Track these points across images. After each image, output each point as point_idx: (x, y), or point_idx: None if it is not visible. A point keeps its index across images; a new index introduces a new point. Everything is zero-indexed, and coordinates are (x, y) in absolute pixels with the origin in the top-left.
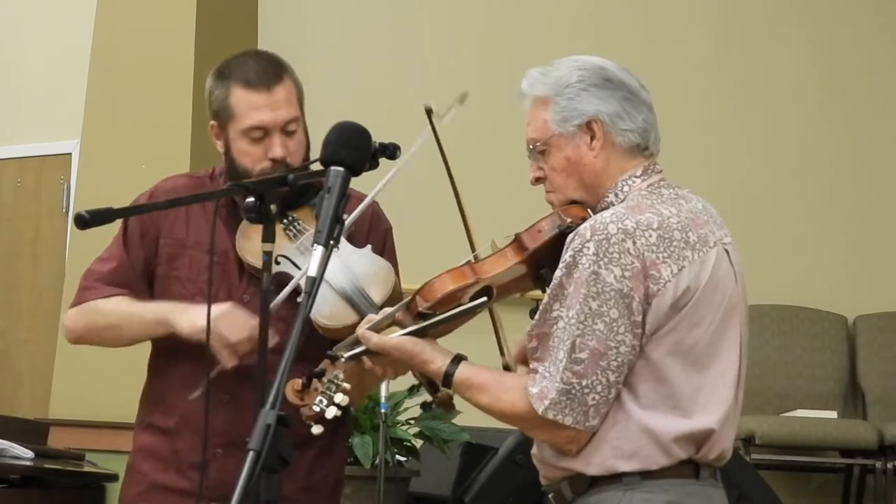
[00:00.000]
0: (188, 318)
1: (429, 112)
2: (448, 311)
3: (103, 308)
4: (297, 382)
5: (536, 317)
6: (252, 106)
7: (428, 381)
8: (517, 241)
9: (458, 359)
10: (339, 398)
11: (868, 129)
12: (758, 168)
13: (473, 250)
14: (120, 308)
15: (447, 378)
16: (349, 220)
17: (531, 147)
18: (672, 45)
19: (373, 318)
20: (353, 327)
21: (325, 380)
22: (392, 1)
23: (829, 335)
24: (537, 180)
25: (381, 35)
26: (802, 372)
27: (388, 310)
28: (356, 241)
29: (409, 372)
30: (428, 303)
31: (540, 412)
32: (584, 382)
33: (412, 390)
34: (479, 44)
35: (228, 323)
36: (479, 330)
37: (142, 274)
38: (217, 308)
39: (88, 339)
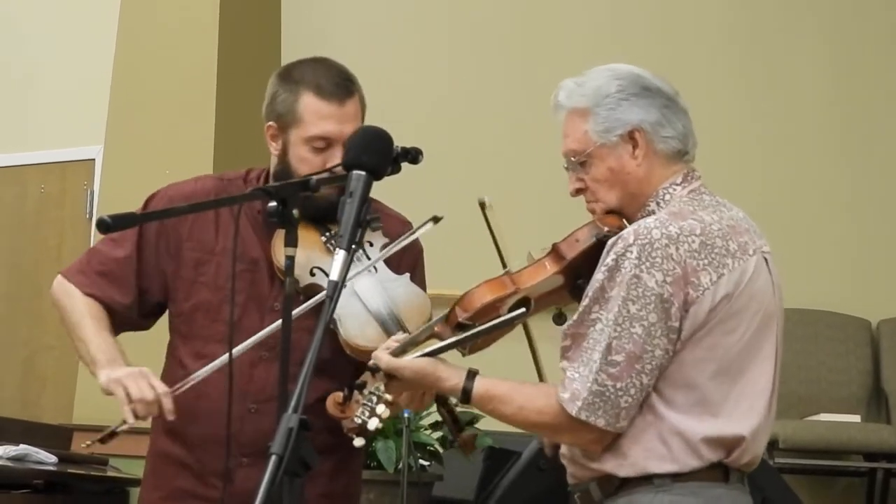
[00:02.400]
0: (104, 374)
1: (482, 205)
2: (487, 322)
3: (76, 305)
4: (339, 395)
5: (575, 316)
6: (321, 115)
7: (453, 420)
8: (554, 251)
9: (472, 374)
10: (381, 409)
11: (890, 133)
12: (780, 172)
13: (505, 267)
14: (83, 321)
15: (465, 394)
16: (393, 247)
17: (571, 159)
18: (690, 53)
19: (398, 339)
20: None
21: (366, 392)
22: (414, 13)
23: (852, 339)
24: (577, 192)
25: (403, 45)
26: (826, 376)
27: (426, 324)
28: (390, 263)
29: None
30: (467, 313)
31: (573, 414)
32: (618, 385)
33: (435, 426)
34: (500, 55)
35: (135, 381)
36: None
37: (145, 273)
38: (132, 369)
39: (56, 310)
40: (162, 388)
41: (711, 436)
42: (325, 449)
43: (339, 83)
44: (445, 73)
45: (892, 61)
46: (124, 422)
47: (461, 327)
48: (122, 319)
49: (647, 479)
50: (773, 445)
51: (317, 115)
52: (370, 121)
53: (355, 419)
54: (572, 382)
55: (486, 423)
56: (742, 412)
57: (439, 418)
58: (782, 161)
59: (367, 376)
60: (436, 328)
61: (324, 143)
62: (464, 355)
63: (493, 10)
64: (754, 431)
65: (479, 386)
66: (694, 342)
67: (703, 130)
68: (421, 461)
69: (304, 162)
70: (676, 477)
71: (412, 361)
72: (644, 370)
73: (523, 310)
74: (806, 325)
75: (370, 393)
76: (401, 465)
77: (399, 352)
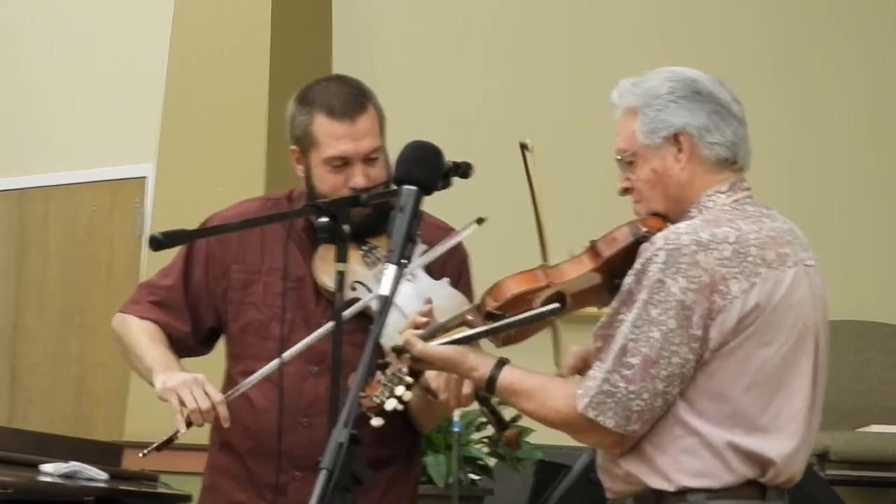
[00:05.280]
0: (161, 378)
1: (523, 147)
2: (518, 314)
3: (131, 328)
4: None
5: (604, 318)
6: (334, 136)
7: (496, 420)
8: (592, 248)
9: (501, 363)
10: (400, 391)
11: None
12: (827, 181)
13: (545, 260)
14: (139, 340)
15: (491, 383)
16: (433, 252)
17: (619, 157)
18: (726, 61)
19: (420, 319)
20: None
21: (388, 372)
22: (461, 23)
23: None
24: (625, 191)
25: (452, 56)
26: (877, 387)
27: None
28: (433, 270)
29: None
30: (497, 303)
31: (580, 410)
32: (630, 388)
33: (480, 427)
34: (546, 62)
35: (189, 390)
36: (537, 349)
37: (195, 299)
38: (187, 377)
39: (119, 347)
40: (217, 395)
41: (743, 448)
42: (379, 461)
43: (349, 101)
44: (495, 83)
45: None
46: (178, 431)
47: (491, 317)
48: (181, 346)
49: (680, 495)
50: (823, 457)
51: (331, 136)
52: (420, 135)
53: (374, 398)
54: (589, 380)
55: (536, 438)
56: (777, 429)
57: (489, 433)
58: (831, 173)
59: (391, 356)
60: (468, 316)
61: (341, 162)
62: (497, 346)
63: (541, 5)
64: (791, 453)
65: (504, 377)
66: (726, 352)
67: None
68: (471, 475)
69: (326, 182)
70: (711, 493)
71: (442, 349)
72: (659, 375)
73: (557, 305)
74: (855, 336)
75: (392, 374)
76: (451, 480)
77: (427, 336)
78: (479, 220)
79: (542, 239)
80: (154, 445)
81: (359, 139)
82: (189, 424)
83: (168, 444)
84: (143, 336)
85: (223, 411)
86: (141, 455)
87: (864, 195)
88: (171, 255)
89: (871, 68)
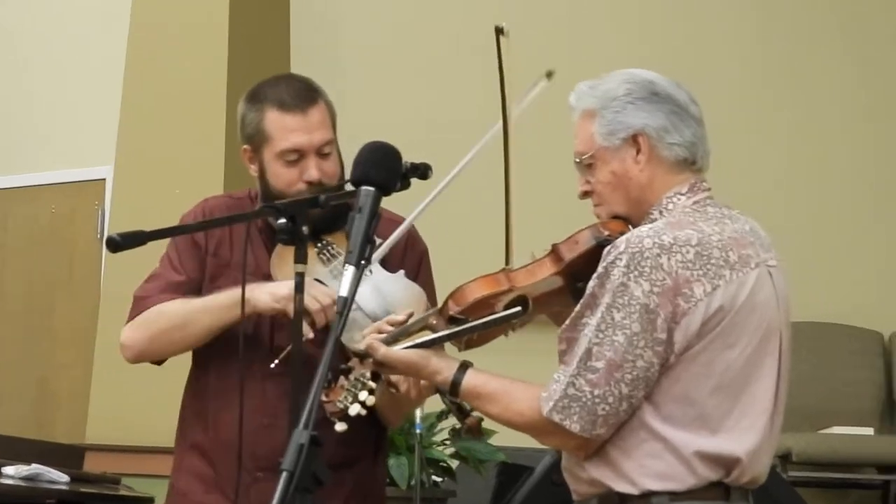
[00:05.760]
0: (267, 289)
1: (499, 31)
2: (480, 318)
3: (167, 310)
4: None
5: (568, 321)
6: (287, 128)
7: (457, 407)
8: (554, 252)
9: (464, 366)
10: (364, 396)
11: None
12: (793, 184)
13: (507, 263)
14: (185, 307)
15: (454, 387)
16: (386, 245)
17: (578, 160)
18: (714, 56)
19: (385, 326)
20: None
21: (351, 377)
22: (423, 21)
23: (865, 351)
24: (585, 194)
25: (413, 56)
26: (839, 389)
27: (420, 314)
28: (390, 264)
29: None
30: (459, 307)
31: (544, 413)
32: (595, 392)
33: (441, 416)
34: (516, 62)
35: (316, 288)
36: (500, 351)
37: (195, 288)
38: (290, 282)
39: (151, 350)
40: (332, 291)
41: (708, 452)
42: (346, 461)
43: (300, 94)
44: (458, 75)
45: None
46: (307, 336)
47: (454, 321)
48: None
49: (645, 498)
50: (786, 459)
51: (284, 129)
52: (380, 136)
53: (338, 403)
54: (553, 384)
55: (498, 439)
56: (742, 430)
57: (451, 423)
58: (796, 174)
59: (354, 362)
60: (430, 320)
61: (295, 156)
62: (459, 350)
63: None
64: (754, 451)
65: (468, 381)
66: (691, 356)
67: (719, 141)
68: (433, 477)
69: (280, 177)
70: (675, 496)
71: (404, 353)
72: (623, 379)
73: (519, 309)
74: (818, 338)
75: (355, 379)
76: (413, 482)
77: (391, 340)
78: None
79: (507, 240)
80: (281, 356)
81: (312, 131)
82: (313, 326)
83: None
84: (186, 304)
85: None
86: (272, 366)
87: (830, 199)
88: (132, 256)
89: (864, 67)
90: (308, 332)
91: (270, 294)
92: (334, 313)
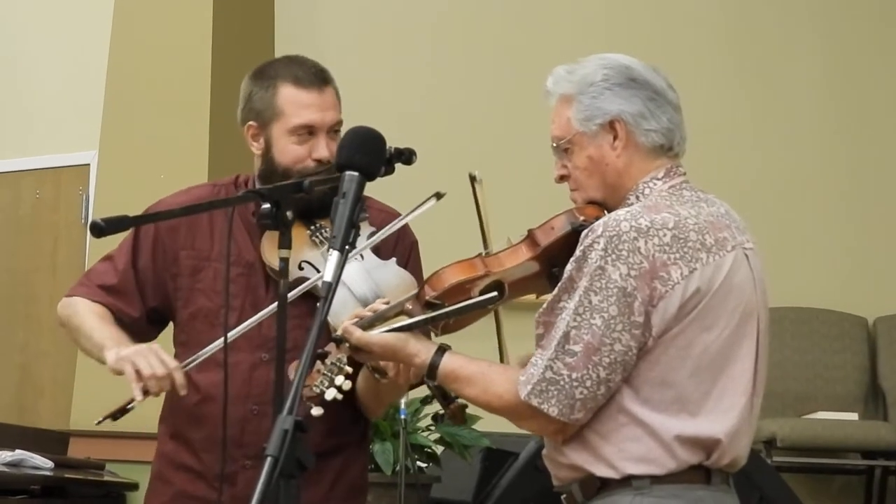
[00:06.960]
0: (113, 351)
1: (472, 179)
2: (457, 303)
3: (80, 310)
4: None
5: (545, 305)
6: (302, 104)
7: (441, 393)
8: (530, 237)
9: (442, 349)
10: (340, 381)
11: (886, 130)
12: (775, 169)
13: (486, 247)
14: (88, 320)
15: (432, 369)
16: (379, 235)
17: (555, 145)
18: (685, 48)
19: (361, 312)
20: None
21: (328, 362)
22: (406, 14)
23: (849, 337)
24: (561, 178)
25: (396, 47)
26: (823, 374)
27: (397, 299)
28: (382, 253)
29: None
30: (435, 292)
31: (522, 397)
32: (573, 375)
33: (425, 400)
34: (491, 52)
35: (145, 357)
36: (481, 335)
37: (143, 284)
38: (141, 346)
39: (66, 331)
40: (173, 362)
41: (688, 435)
42: (331, 450)
43: (315, 73)
44: (439, 64)
45: (888, 59)
46: (133, 400)
47: (430, 306)
48: (129, 331)
49: (625, 482)
50: (770, 444)
51: (298, 104)
52: (368, 111)
53: (314, 388)
54: (531, 367)
55: (483, 425)
56: (722, 411)
57: (434, 408)
58: (777, 158)
59: (331, 346)
60: (407, 305)
61: (307, 132)
62: (435, 335)
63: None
64: (733, 432)
65: (446, 363)
66: (668, 339)
67: (697, 125)
68: (418, 463)
69: (288, 153)
70: (655, 479)
71: (381, 336)
72: (601, 363)
73: (495, 294)
74: (802, 323)
75: (332, 364)
76: (398, 467)
77: (367, 325)
78: (438, 195)
79: (482, 227)
80: (108, 413)
81: (325, 109)
82: (146, 393)
83: (122, 412)
84: (93, 316)
85: (179, 378)
86: (97, 423)
87: (810, 182)
88: (116, 241)
89: (830, 54)
90: (138, 395)
91: (115, 354)
92: (167, 385)
